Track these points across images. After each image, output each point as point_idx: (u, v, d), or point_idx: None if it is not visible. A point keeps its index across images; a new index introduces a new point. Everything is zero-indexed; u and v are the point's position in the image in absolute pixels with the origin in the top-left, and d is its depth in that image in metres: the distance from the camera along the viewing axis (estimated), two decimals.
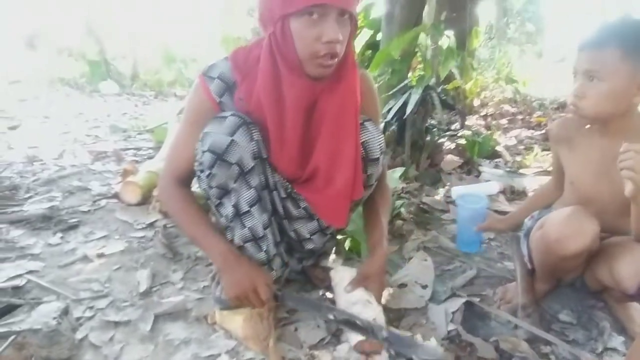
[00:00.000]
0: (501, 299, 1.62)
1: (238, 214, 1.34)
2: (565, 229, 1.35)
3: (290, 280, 1.67)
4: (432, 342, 1.32)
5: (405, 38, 2.59)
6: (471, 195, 2.04)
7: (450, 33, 2.81)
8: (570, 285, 1.67)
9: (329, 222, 1.47)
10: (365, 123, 1.41)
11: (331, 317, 1.32)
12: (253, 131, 1.30)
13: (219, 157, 1.25)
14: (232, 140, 1.25)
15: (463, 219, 1.97)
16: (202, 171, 1.30)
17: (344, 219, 1.45)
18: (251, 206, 1.35)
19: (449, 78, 3.81)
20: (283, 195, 1.46)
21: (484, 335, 1.44)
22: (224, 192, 1.32)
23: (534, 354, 1.35)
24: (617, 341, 1.42)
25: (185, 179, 1.41)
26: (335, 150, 1.35)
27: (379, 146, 1.43)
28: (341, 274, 1.45)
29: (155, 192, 2.36)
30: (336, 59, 1.24)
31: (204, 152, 1.26)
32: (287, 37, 1.20)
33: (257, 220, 1.36)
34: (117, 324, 1.49)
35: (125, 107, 6.15)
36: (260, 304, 1.32)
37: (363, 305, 1.34)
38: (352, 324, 1.30)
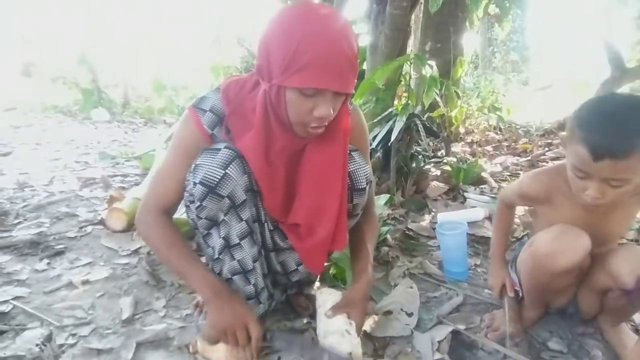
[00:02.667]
0: (488, 326, 1.60)
1: (228, 246, 1.34)
2: (556, 244, 1.33)
3: (274, 310, 1.65)
4: None
5: (389, 67, 2.64)
6: (451, 223, 2.06)
7: (432, 62, 2.86)
8: (561, 313, 1.66)
9: (306, 267, 1.47)
10: (352, 153, 1.41)
11: (325, 358, 1.29)
12: (245, 165, 1.30)
13: (211, 190, 1.24)
14: (225, 173, 1.24)
15: (445, 246, 1.99)
16: (192, 202, 1.29)
17: (321, 268, 1.46)
18: (242, 239, 1.34)
19: (434, 106, 3.88)
20: (271, 227, 1.46)
21: None
22: (213, 223, 1.32)
23: None
24: None
25: (168, 210, 1.38)
26: (316, 206, 1.35)
27: (365, 176, 1.43)
28: (325, 297, 1.43)
29: None
30: (324, 126, 1.25)
31: (195, 184, 1.24)
32: (281, 101, 1.19)
33: (247, 253, 1.36)
34: (99, 351, 1.47)
35: (115, 134, 6.25)
36: (246, 342, 1.27)
37: (341, 335, 1.32)
38: None
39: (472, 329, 1.62)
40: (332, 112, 1.19)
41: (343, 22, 1.16)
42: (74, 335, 1.55)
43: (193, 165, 1.27)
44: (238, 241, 1.33)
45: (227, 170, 1.24)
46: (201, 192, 1.24)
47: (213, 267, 1.40)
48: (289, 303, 1.69)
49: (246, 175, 1.30)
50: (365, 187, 1.43)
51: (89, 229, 2.52)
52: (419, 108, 4.27)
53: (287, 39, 1.11)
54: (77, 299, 1.79)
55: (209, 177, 1.23)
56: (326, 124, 1.24)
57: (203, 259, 1.48)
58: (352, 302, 1.40)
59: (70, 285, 1.90)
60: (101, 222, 2.54)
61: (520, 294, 1.64)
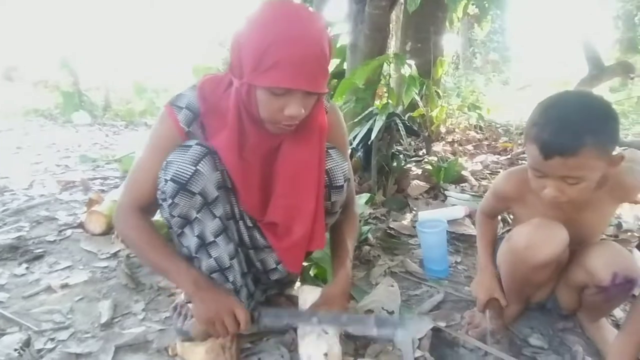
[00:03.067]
0: (469, 323, 1.61)
1: (203, 245, 1.33)
2: (535, 236, 1.34)
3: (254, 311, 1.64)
4: None
5: (368, 67, 2.65)
6: (431, 221, 2.07)
7: (412, 62, 2.87)
8: (541, 308, 1.67)
9: (285, 266, 1.46)
10: (329, 150, 1.41)
11: (315, 319, 1.30)
12: (217, 161, 1.29)
13: (182, 186, 1.23)
14: (196, 169, 1.24)
15: (426, 244, 2.00)
16: (164, 200, 1.28)
17: (299, 267, 1.46)
18: (216, 236, 1.33)
19: (414, 106, 3.90)
20: (249, 224, 1.45)
21: None
22: (186, 221, 1.31)
23: None
24: None
25: (146, 208, 1.37)
26: (292, 206, 1.35)
27: (342, 174, 1.43)
28: (305, 296, 1.44)
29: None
30: (296, 124, 1.25)
31: (166, 180, 1.24)
32: (252, 100, 1.20)
33: (222, 250, 1.35)
34: (78, 355, 1.46)
35: (96, 137, 6.22)
36: (235, 328, 1.27)
37: (317, 335, 1.32)
38: (337, 321, 1.29)
39: (452, 326, 1.62)
40: (303, 111, 1.19)
41: (316, 23, 1.16)
42: (52, 339, 1.54)
43: (164, 163, 1.26)
44: (213, 239, 1.33)
45: (198, 167, 1.24)
46: (172, 189, 1.24)
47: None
48: (269, 303, 1.68)
49: (218, 172, 1.29)
50: (343, 185, 1.43)
51: (69, 232, 2.50)
52: (400, 108, 4.30)
53: (259, 38, 1.11)
54: (55, 303, 1.77)
55: (179, 173, 1.23)
56: (297, 122, 1.24)
57: None
58: (331, 299, 1.39)
59: (49, 289, 1.88)
60: (80, 225, 2.52)
61: None
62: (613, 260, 1.33)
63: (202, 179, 1.25)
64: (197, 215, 1.30)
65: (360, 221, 2.27)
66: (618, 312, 1.68)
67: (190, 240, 1.33)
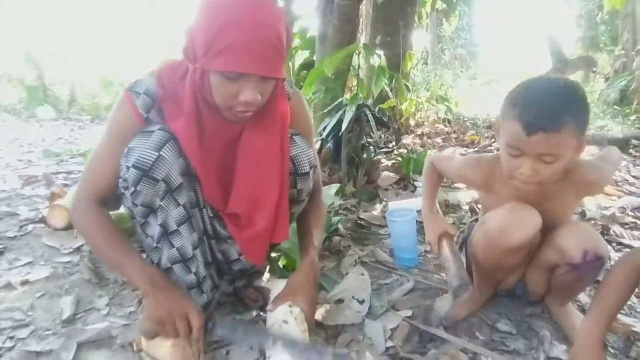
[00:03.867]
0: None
1: (166, 234, 1.29)
2: (509, 220, 1.35)
3: (222, 303, 1.61)
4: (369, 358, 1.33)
5: (337, 57, 2.63)
6: (400, 210, 2.07)
7: (381, 52, 2.87)
8: (510, 294, 1.68)
9: (247, 258, 1.43)
10: (294, 137, 1.39)
11: (269, 344, 1.23)
12: (181, 147, 1.25)
13: (145, 173, 1.19)
14: (160, 155, 1.20)
15: (396, 234, 2.00)
16: (126, 188, 1.23)
17: (262, 259, 1.42)
18: (179, 225, 1.30)
19: (384, 98, 3.92)
20: (211, 214, 1.41)
21: (422, 350, 1.43)
22: (150, 210, 1.27)
23: None
24: (560, 350, 1.41)
25: (103, 199, 1.32)
26: (254, 196, 1.32)
27: (307, 160, 1.40)
28: (274, 290, 1.42)
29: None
30: (252, 111, 1.22)
31: (128, 167, 1.19)
32: (206, 85, 1.17)
33: (186, 240, 1.31)
34: (38, 354, 1.41)
35: (60, 132, 6.13)
36: (187, 332, 1.21)
37: (278, 327, 1.27)
38: (294, 350, 1.21)
39: (420, 314, 1.61)
40: (259, 97, 1.16)
41: (270, 6, 1.14)
42: (11, 338, 1.48)
43: (126, 149, 1.22)
44: (176, 227, 1.29)
45: (161, 152, 1.20)
46: (135, 176, 1.19)
47: (152, 257, 1.35)
48: (237, 295, 1.65)
49: (182, 158, 1.26)
50: (308, 172, 1.41)
51: (30, 227, 2.41)
52: (370, 100, 4.31)
53: (211, 22, 1.09)
54: (15, 300, 1.71)
55: (142, 159, 1.19)
56: (254, 108, 1.21)
57: (144, 255, 1.43)
58: (295, 289, 1.35)
59: (8, 286, 1.81)
60: (42, 220, 2.44)
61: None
62: (583, 238, 1.35)
63: (165, 165, 1.21)
64: (161, 203, 1.25)
65: (330, 212, 2.27)
66: (584, 298, 1.71)
67: (154, 230, 1.29)
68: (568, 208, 1.49)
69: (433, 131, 5.18)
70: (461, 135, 5.13)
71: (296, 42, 3.64)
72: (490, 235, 1.40)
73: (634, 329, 1.50)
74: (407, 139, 4.62)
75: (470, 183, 1.57)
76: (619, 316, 1.57)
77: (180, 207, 1.28)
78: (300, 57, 3.58)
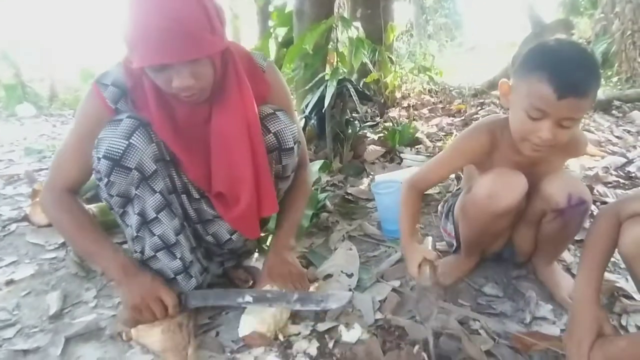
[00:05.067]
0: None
1: (145, 222, 1.28)
2: (496, 185, 1.35)
3: (212, 285, 1.60)
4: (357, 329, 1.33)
5: (315, 32, 2.59)
6: (386, 182, 2.06)
7: (358, 24, 2.83)
8: (497, 258, 1.69)
9: (241, 234, 1.44)
10: (277, 113, 1.38)
11: (240, 300, 1.27)
12: (152, 133, 1.24)
13: (116, 162, 1.18)
14: (129, 143, 1.19)
15: (382, 205, 1.99)
16: (100, 180, 1.22)
17: (256, 232, 1.43)
18: (158, 212, 1.28)
19: (368, 72, 3.87)
20: (196, 196, 1.40)
21: (412, 317, 1.43)
22: (127, 200, 1.26)
23: (463, 330, 1.34)
24: (546, 309, 1.43)
25: (74, 190, 1.33)
26: (232, 175, 1.31)
27: (291, 135, 1.39)
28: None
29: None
30: (197, 94, 1.20)
31: (99, 159, 1.18)
32: (150, 77, 1.18)
33: (167, 226, 1.30)
34: (25, 352, 1.39)
35: (42, 129, 6.06)
36: (163, 313, 1.24)
37: (252, 316, 1.31)
38: (263, 299, 1.26)
39: (408, 284, 1.62)
40: (192, 81, 1.14)
41: None
42: None
43: (96, 140, 1.20)
44: (155, 215, 1.28)
45: (131, 140, 1.19)
46: (106, 167, 1.18)
47: (135, 247, 1.34)
48: (227, 276, 1.64)
49: (154, 144, 1.24)
50: (292, 147, 1.40)
51: (13, 227, 2.38)
52: (355, 75, 4.27)
53: (126, 22, 1.10)
54: (0, 300, 1.68)
55: (112, 149, 1.17)
56: (196, 91, 1.18)
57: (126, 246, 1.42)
58: (271, 270, 1.39)
59: None
60: (25, 218, 2.40)
61: (455, 245, 1.66)
62: (566, 183, 1.36)
63: (136, 152, 1.20)
64: (137, 192, 1.24)
65: (317, 189, 2.24)
66: (569, 257, 1.72)
67: (133, 219, 1.28)
68: (555, 170, 1.48)
69: (419, 102, 5.15)
70: (447, 105, 5.10)
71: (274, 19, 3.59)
72: (479, 201, 1.39)
73: (617, 284, 1.51)
74: (393, 112, 4.58)
75: (475, 154, 1.46)
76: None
77: (157, 194, 1.27)
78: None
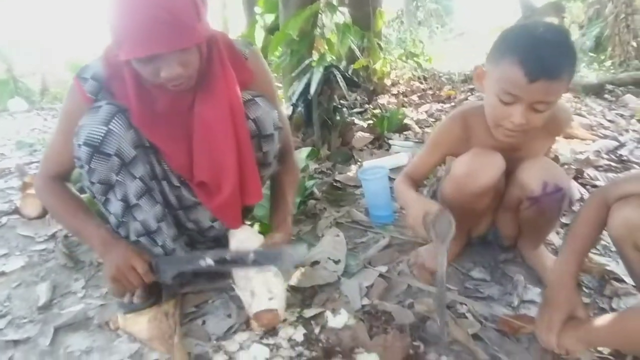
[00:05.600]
0: (414, 263, 1.61)
1: (128, 207, 1.29)
2: (474, 164, 1.36)
3: (197, 273, 1.60)
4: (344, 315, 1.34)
5: (300, 17, 2.57)
6: (372, 168, 2.06)
7: (345, 10, 2.81)
8: (482, 241, 1.70)
9: (223, 223, 1.44)
10: (256, 99, 1.37)
11: (202, 263, 1.27)
12: (131, 118, 1.25)
13: (96, 149, 1.19)
14: (108, 129, 1.20)
15: (369, 192, 1.99)
16: (81, 167, 1.24)
17: (238, 222, 1.43)
18: (139, 198, 1.30)
19: (357, 58, 3.86)
20: (176, 183, 1.40)
21: (399, 302, 1.45)
22: (108, 187, 1.27)
23: (450, 314, 1.36)
24: (533, 293, 1.44)
25: (63, 178, 1.38)
26: (215, 163, 1.31)
27: (271, 121, 1.39)
28: (244, 235, 1.42)
29: None
30: (184, 83, 1.20)
31: (79, 145, 1.20)
32: (135, 70, 1.18)
33: (148, 213, 1.32)
34: (16, 342, 1.42)
35: (34, 123, 6.10)
36: (138, 280, 1.26)
37: (274, 274, 1.33)
38: (223, 261, 1.27)
39: (395, 269, 1.63)
40: (179, 70, 1.15)
41: None
42: None
43: (77, 128, 1.21)
44: (136, 201, 1.29)
45: (109, 127, 1.20)
46: (86, 154, 1.20)
47: (120, 231, 1.35)
48: None
49: (132, 130, 1.25)
50: (272, 133, 1.40)
51: (4, 220, 2.39)
52: (343, 63, 4.25)
53: (110, 17, 1.10)
54: None
55: (91, 136, 1.19)
56: (183, 80, 1.19)
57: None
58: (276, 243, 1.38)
59: None
60: (16, 211, 2.41)
61: None
62: (542, 171, 1.36)
63: (115, 138, 1.21)
64: (117, 178, 1.25)
65: (304, 177, 2.25)
66: (557, 240, 1.73)
67: (116, 206, 1.29)
68: (538, 153, 1.48)
69: (409, 89, 5.14)
70: (437, 92, 5.10)
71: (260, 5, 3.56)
72: (458, 180, 1.40)
73: (607, 267, 1.52)
74: (383, 99, 4.58)
75: (453, 143, 1.48)
76: (594, 256, 1.60)
77: (137, 179, 1.28)
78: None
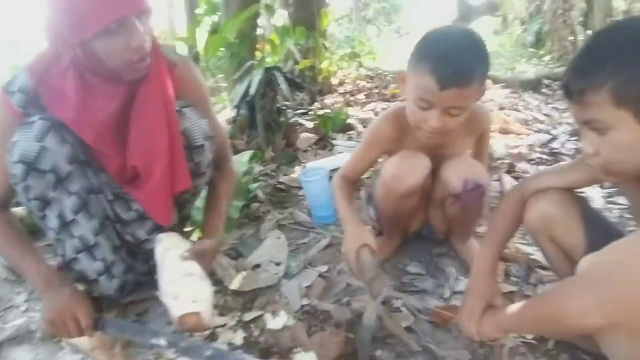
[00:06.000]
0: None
1: (64, 224, 1.28)
2: (400, 167, 1.43)
3: (140, 283, 1.60)
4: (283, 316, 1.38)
5: (238, 19, 2.58)
6: (313, 170, 2.10)
7: (285, 12, 2.84)
8: (418, 237, 1.77)
9: (154, 217, 1.40)
10: (183, 110, 1.36)
11: (154, 341, 1.21)
12: (65, 133, 1.23)
13: (30, 166, 1.17)
14: (42, 146, 1.18)
15: (310, 193, 2.04)
16: (16, 184, 1.21)
17: (169, 214, 1.38)
18: (76, 214, 1.28)
19: (304, 58, 3.88)
20: (110, 197, 1.40)
21: (337, 300, 1.50)
22: (45, 203, 1.25)
23: (386, 309, 1.41)
24: (465, 284, 1.47)
25: (3, 206, 1.32)
26: (148, 145, 1.30)
27: (201, 132, 1.38)
28: (172, 243, 1.36)
29: None
30: (148, 58, 1.21)
31: (14, 163, 1.17)
32: (94, 57, 1.15)
33: (85, 228, 1.30)
34: None
35: None
36: (77, 333, 1.21)
37: (200, 278, 1.26)
38: (177, 347, 1.19)
39: (335, 268, 1.68)
40: (146, 37, 1.16)
41: None
42: None
43: (10, 144, 1.19)
44: (73, 217, 1.27)
45: (44, 143, 1.18)
46: (21, 171, 1.18)
47: (56, 249, 1.34)
48: (153, 275, 1.64)
49: (67, 145, 1.23)
50: (203, 144, 1.39)
51: None
52: (290, 63, 4.26)
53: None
54: None
55: (25, 153, 1.17)
56: (146, 52, 1.19)
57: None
58: (203, 252, 1.33)
59: None
60: None
61: (377, 227, 1.74)
62: (463, 169, 1.44)
63: (50, 154, 1.19)
64: (53, 194, 1.24)
65: (248, 180, 2.26)
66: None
67: (53, 222, 1.28)
68: (461, 150, 1.57)
69: (355, 88, 5.20)
70: (383, 90, 5.18)
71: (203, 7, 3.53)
72: (386, 182, 1.47)
73: (533, 257, 1.61)
74: (330, 98, 4.63)
75: (385, 142, 1.52)
76: (521, 246, 1.69)
77: (74, 195, 1.27)
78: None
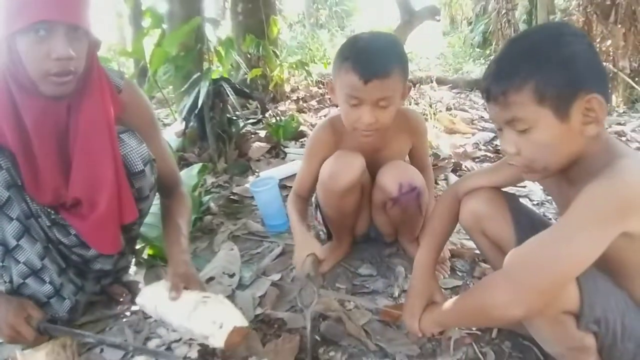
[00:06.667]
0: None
1: (8, 251, 1.26)
2: (336, 165, 1.49)
3: (93, 303, 1.59)
4: None
5: (179, 33, 2.58)
6: (263, 180, 2.13)
7: (227, 24, 2.85)
8: (366, 239, 1.83)
9: (98, 249, 1.39)
10: (121, 136, 1.33)
11: (90, 340, 1.27)
12: (0, 159, 1.21)
13: None
14: None
15: (261, 202, 2.06)
16: None
17: (115, 245, 1.38)
18: (19, 239, 1.27)
19: (254, 67, 3.89)
20: (48, 223, 1.37)
21: (292, 307, 1.52)
22: None
23: (343, 310, 1.46)
24: None
25: None
26: (91, 176, 1.28)
27: (140, 158, 1.35)
28: (151, 291, 1.33)
29: None
30: (71, 76, 1.17)
31: None
32: (15, 57, 1.13)
33: (30, 252, 1.29)
34: None
35: None
36: (31, 342, 1.24)
37: (204, 304, 1.20)
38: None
39: (288, 276, 1.71)
40: (71, 51, 1.13)
41: None
42: None
43: None
44: (16, 242, 1.26)
45: None
46: None
47: (2, 276, 1.31)
48: (105, 293, 1.63)
49: (4, 171, 1.22)
50: (143, 169, 1.37)
51: None
52: (241, 72, 4.27)
53: None
54: None
55: None
56: (72, 68, 1.16)
57: None
58: (184, 275, 1.30)
59: None
60: None
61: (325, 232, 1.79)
62: (397, 173, 1.53)
63: None
64: None
65: (199, 193, 2.26)
66: None
67: None
68: (401, 152, 1.66)
69: (308, 94, 5.24)
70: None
71: (148, 21, 3.50)
72: (324, 183, 1.53)
73: (476, 252, 1.67)
74: (283, 106, 4.64)
75: (326, 149, 1.57)
76: (465, 242, 1.76)
77: (15, 221, 1.25)
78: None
